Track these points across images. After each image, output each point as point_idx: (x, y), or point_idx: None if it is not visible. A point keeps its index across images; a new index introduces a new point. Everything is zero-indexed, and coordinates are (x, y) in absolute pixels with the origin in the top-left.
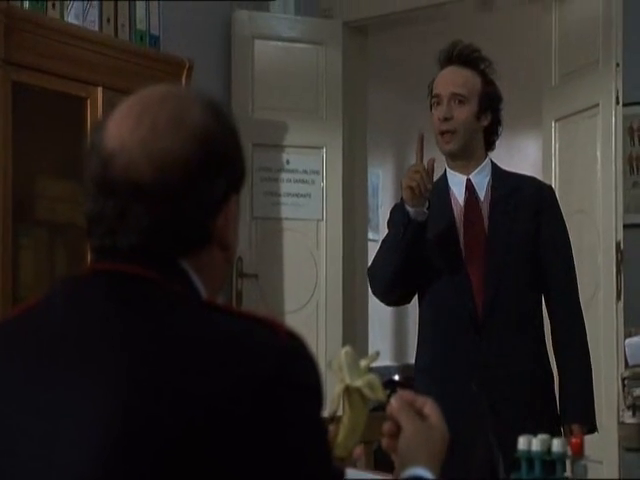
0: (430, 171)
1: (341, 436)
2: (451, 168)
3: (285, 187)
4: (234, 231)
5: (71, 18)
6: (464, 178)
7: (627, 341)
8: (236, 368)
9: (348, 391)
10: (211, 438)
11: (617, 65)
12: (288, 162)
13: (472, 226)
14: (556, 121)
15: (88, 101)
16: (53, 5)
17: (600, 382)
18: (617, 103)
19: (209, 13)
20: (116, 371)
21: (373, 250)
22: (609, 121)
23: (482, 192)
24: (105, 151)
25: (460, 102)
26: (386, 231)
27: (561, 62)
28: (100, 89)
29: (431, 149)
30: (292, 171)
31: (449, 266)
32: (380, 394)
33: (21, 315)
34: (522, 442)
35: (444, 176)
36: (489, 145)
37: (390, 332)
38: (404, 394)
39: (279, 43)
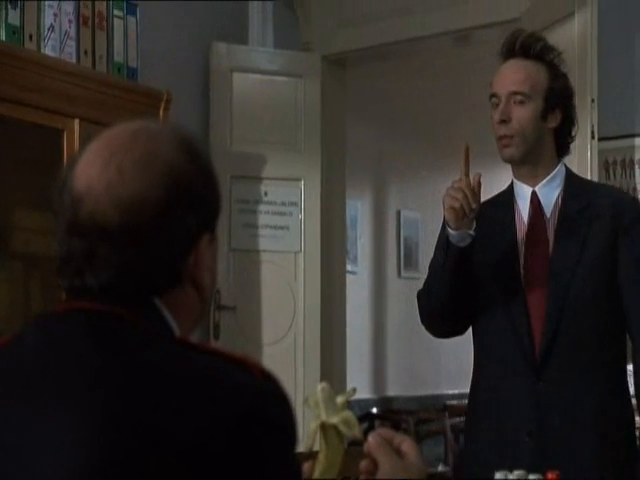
0: (476, 188)
1: (317, 473)
2: (517, 178)
3: (263, 219)
4: (209, 270)
5: (48, 50)
6: (530, 190)
7: None
8: (210, 406)
9: (324, 427)
10: (185, 476)
11: (592, 100)
12: (266, 194)
13: (535, 248)
14: None
15: (65, 133)
16: (30, 37)
17: None
18: (592, 138)
19: (187, 45)
20: (91, 408)
21: (351, 282)
22: (585, 155)
23: (550, 207)
24: (74, 193)
25: (521, 102)
26: (365, 264)
27: None
28: (77, 121)
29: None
30: (270, 203)
31: (506, 294)
32: (356, 431)
33: None
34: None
35: (510, 187)
36: (562, 150)
37: (369, 364)
38: (382, 431)
39: (258, 76)
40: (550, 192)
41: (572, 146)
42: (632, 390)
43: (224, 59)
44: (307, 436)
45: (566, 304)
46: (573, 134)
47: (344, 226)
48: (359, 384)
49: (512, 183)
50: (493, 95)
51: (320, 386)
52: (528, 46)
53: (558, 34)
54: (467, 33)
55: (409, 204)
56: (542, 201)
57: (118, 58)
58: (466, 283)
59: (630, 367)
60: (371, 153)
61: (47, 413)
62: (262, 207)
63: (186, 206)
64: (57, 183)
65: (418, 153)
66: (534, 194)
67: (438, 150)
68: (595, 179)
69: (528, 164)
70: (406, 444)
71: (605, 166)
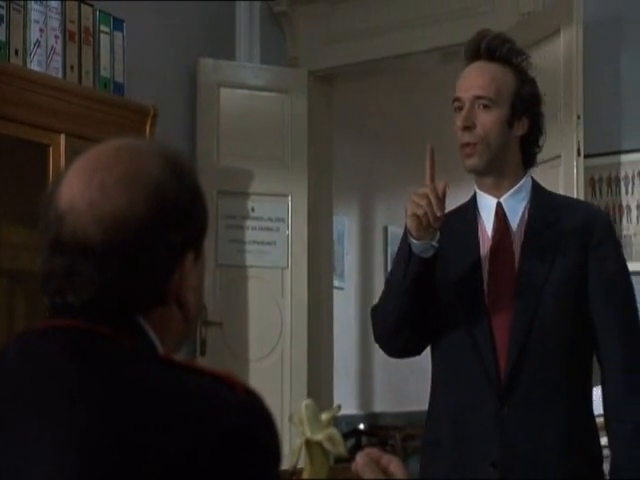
0: (442, 195)
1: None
2: (480, 189)
3: (250, 235)
4: (193, 289)
5: (34, 65)
6: (494, 201)
7: None
8: (193, 424)
9: (309, 445)
10: None
11: (578, 117)
12: (253, 210)
13: (500, 264)
14: None
15: (51, 148)
16: (16, 52)
17: None
18: (579, 155)
19: (174, 61)
20: (71, 426)
21: (338, 298)
22: (571, 172)
23: (516, 220)
24: (57, 210)
25: (485, 107)
26: (352, 279)
27: None
28: (63, 136)
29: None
30: (257, 219)
31: (468, 313)
32: (341, 448)
33: None
34: None
35: (473, 198)
36: (529, 160)
37: (355, 380)
38: (370, 451)
39: (244, 91)
40: (516, 204)
41: (558, 162)
42: (601, 409)
43: (211, 74)
44: (292, 453)
45: (533, 325)
46: (541, 144)
47: (331, 242)
48: (346, 400)
49: (475, 194)
50: (456, 99)
51: (304, 403)
52: (494, 48)
53: (544, 51)
54: (455, 49)
55: (396, 220)
56: (508, 213)
57: (104, 73)
58: (426, 297)
59: (596, 391)
60: (358, 169)
61: (28, 432)
62: (249, 222)
63: (170, 224)
64: (42, 201)
65: (405, 169)
66: (499, 206)
67: (422, 165)
68: (581, 196)
69: (492, 174)
70: (393, 464)
71: (591, 183)
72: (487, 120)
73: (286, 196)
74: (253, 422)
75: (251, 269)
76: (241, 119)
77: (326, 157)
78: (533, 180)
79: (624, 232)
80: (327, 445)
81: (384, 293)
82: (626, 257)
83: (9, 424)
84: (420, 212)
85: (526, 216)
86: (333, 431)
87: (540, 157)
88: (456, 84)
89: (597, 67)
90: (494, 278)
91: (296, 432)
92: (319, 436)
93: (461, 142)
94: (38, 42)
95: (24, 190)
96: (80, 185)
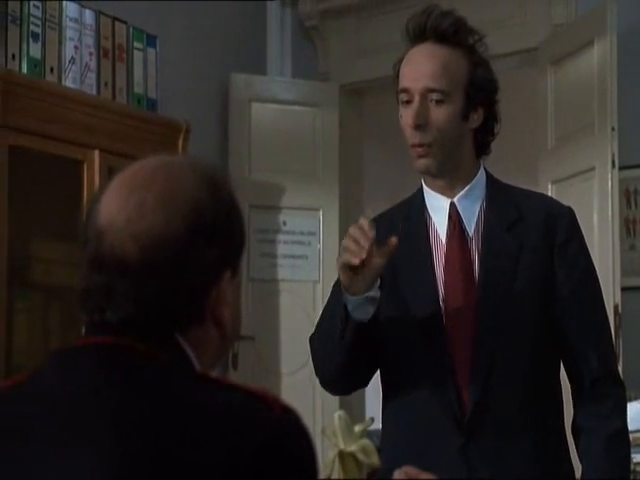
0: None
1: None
2: (430, 188)
3: (282, 248)
4: (230, 306)
5: (69, 82)
6: (447, 202)
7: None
8: (229, 440)
9: (342, 456)
10: None
11: (612, 129)
12: (285, 223)
13: (456, 274)
14: (552, 183)
15: (85, 164)
16: (51, 69)
17: None
18: (613, 167)
19: (206, 76)
20: (108, 444)
21: None
22: (605, 184)
23: (472, 222)
24: (96, 228)
25: (439, 101)
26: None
27: (557, 125)
28: (97, 152)
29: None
30: (289, 232)
31: (423, 336)
32: (374, 459)
33: (12, 388)
34: None
35: (421, 196)
36: (482, 149)
37: None
38: (407, 469)
39: (276, 106)
40: (471, 205)
41: (592, 174)
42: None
43: (243, 90)
44: (325, 465)
45: (498, 342)
46: (496, 132)
47: None
48: (378, 413)
49: (422, 190)
50: (403, 90)
51: (337, 414)
52: (443, 29)
53: (578, 63)
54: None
55: None
56: (463, 215)
57: (138, 89)
58: (371, 345)
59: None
60: (389, 182)
61: (65, 449)
62: (281, 237)
63: (207, 242)
64: (82, 218)
65: None
66: (453, 207)
67: None
68: (616, 209)
69: (446, 174)
70: None
71: (626, 195)
72: (441, 117)
73: (317, 210)
74: (289, 438)
75: (283, 283)
76: (273, 133)
77: (357, 170)
78: (487, 173)
79: None
80: (360, 456)
81: (321, 326)
82: None
83: (48, 441)
84: (355, 261)
85: (483, 217)
86: (366, 442)
87: (573, 169)
88: (401, 70)
89: (631, 78)
90: (451, 291)
91: (328, 445)
92: (352, 447)
93: (412, 142)
94: (73, 59)
95: (58, 206)
96: (118, 203)
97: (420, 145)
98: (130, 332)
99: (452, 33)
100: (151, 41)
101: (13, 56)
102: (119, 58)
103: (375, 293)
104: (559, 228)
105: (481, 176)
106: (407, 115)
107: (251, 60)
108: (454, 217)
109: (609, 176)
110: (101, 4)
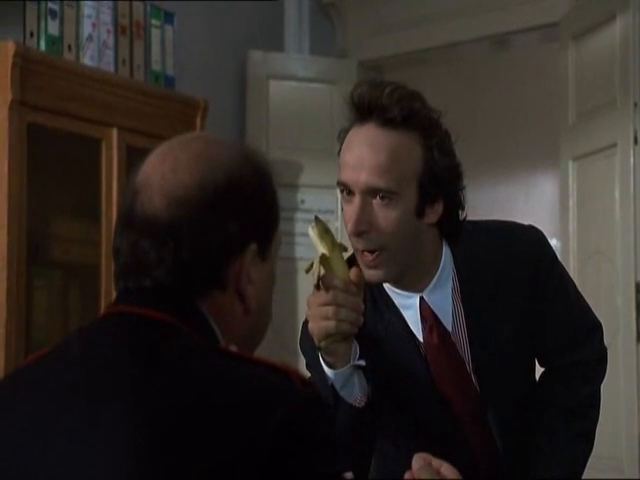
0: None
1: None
2: (393, 286)
3: (300, 227)
4: (256, 288)
5: (87, 60)
6: (415, 298)
7: None
8: (252, 414)
9: (326, 259)
10: None
11: (635, 105)
12: (303, 202)
13: (451, 376)
14: (574, 160)
15: (103, 142)
16: (69, 47)
17: (620, 431)
18: (635, 143)
19: (224, 54)
20: (129, 420)
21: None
22: (627, 161)
23: (448, 312)
24: (133, 187)
25: (385, 201)
26: None
27: (578, 101)
28: (115, 130)
29: None
30: (307, 211)
31: (439, 434)
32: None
33: (35, 363)
34: None
35: (384, 295)
36: (450, 235)
37: None
38: (422, 455)
39: (294, 83)
40: (442, 295)
41: (614, 150)
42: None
43: (260, 66)
44: (313, 271)
45: (513, 425)
46: (463, 217)
47: None
48: None
49: (383, 291)
50: (340, 184)
51: (311, 225)
52: (390, 115)
53: (600, 38)
54: (504, 38)
55: None
56: (435, 309)
57: (155, 67)
58: (369, 438)
59: None
60: None
61: (83, 427)
62: (299, 215)
63: (232, 210)
64: (101, 194)
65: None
66: (423, 302)
67: (474, 155)
68: (638, 186)
69: (406, 276)
70: (445, 467)
71: None
72: (389, 220)
73: (335, 188)
74: (310, 411)
75: (301, 261)
76: (290, 111)
77: None
78: (450, 246)
79: None
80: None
81: None
82: None
83: (68, 416)
84: (346, 328)
85: (459, 301)
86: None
87: (595, 146)
88: (341, 154)
89: None
90: (453, 397)
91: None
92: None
93: (355, 247)
94: (90, 37)
95: (77, 184)
96: (156, 163)
97: (365, 252)
98: (154, 299)
99: (401, 119)
100: (169, 18)
101: (31, 34)
102: (137, 35)
103: (362, 361)
104: (539, 273)
105: (447, 257)
106: (347, 215)
107: (268, 37)
108: (427, 316)
109: (631, 152)
110: None
